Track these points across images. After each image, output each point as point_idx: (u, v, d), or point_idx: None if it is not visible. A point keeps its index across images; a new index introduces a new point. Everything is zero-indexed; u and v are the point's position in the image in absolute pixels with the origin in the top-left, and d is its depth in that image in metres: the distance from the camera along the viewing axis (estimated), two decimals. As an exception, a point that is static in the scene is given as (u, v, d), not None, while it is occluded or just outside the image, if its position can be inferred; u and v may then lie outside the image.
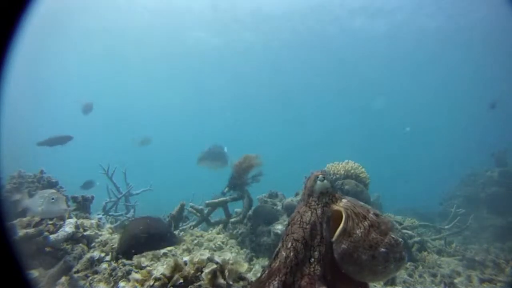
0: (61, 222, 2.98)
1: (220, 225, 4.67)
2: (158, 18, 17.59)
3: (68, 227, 2.93)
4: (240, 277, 2.15)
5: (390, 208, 7.20)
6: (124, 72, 24.04)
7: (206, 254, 2.18)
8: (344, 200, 1.43)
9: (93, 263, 2.68)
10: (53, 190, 3.00)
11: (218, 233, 4.45)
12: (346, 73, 23.42)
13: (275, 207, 4.80)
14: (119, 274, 2.51)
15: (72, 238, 2.91)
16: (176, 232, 3.98)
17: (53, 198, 2.64)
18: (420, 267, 4.11)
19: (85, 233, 3.03)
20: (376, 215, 1.37)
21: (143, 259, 2.68)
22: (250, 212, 4.50)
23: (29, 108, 20.85)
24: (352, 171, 4.70)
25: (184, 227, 4.58)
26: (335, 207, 1.40)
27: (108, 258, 2.75)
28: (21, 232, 2.64)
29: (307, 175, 1.54)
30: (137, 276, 2.24)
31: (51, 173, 4.24)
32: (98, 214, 4.78)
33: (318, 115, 30.84)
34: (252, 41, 19.81)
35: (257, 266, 3.65)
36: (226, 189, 4.57)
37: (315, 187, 1.45)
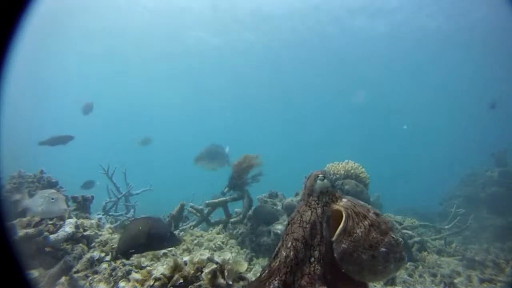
0: (61, 222, 2.98)
1: (220, 225, 4.68)
2: (158, 18, 17.59)
3: (68, 227, 2.93)
4: (240, 277, 2.15)
5: (390, 208, 7.21)
6: (124, 72, 24.04)
7: (206, 254, 2.18)
8: (344, 200, 1.43)
9: (93, 263, 2.68)
10: (53, 190, 3.00)
11: (218, 233, 4.46)
12: (346, 73, 23.42)
13: (275, 207, 4.80)
14: (119, 274, 2.51)
15: (72, 238, 2.91)
16: (176, 232, 3.98)
17: (53, 198, 2.64)
18: (420, 267, 4.11)
19: (85, 233, 3.03)
20: (377, 214, 1.37)
21: (143, 259, 2.69)
22: (250, 212, 4.51)
23: (29, 108, 20.85)
24: (352, 171, 4.70)
25: (184, 227, 4.58)
26: (335, 206, 1.40)
27: (108, 258, 2.75)
28: (21, 232, 2.64)
29: (307, 175, 1.54)
30: (137, 276, 2.25)
31: (51, 173, 4.23)
32: (98, 214, 4.78)
33: (318, 115, 30.84)
34: (252, 41, 19.80)
35: (257, 266, 3.65)
36: (226, 189, 4.57)
37: (315, 187, 1.45)
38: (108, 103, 23.50)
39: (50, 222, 2.90)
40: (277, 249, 1.40)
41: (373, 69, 22.38)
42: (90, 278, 2.54)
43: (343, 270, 1.30)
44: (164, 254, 2.90)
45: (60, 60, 20.34)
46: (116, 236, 3.03)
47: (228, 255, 2.21)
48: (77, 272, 2.59)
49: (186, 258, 2.25)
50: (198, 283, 2.04)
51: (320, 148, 26.36)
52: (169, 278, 2.08)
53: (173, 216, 4.24)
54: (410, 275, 3.84)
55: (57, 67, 20.91)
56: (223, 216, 4.70)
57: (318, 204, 1.41)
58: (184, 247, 3.58)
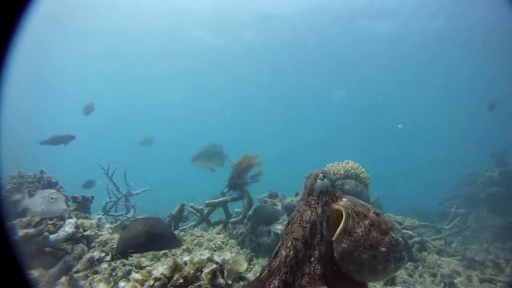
0: (61, 222, 2.98)
1: (220, 225, 4.67)
2: (158, 18, 17.59)
3: (68, 227, 2.93)
4: (240, 277, 2.15)
5: (390, 208, 7.21)
6: (124, 72, 24.04)
7: (206, 254, 2.18)
8: (344, 199, 1.43)
9: (93, 263, 2.68)
10: (53, 190, 3.00)
11: (218, 233, 4.45)
12: (346, 73, 23.42)
13: (275, 207, 4.80)
14: (119, 274, 2.52)
15: (72, 238, 2.91)
16: (176, 232, 3.98)
17: (52, 198, 2.64)
18: (420, 267, 4.11)
19: (85, 233, 3.03)
20: (377, 214, 1.37)
21: (143, 259, 2.69)
22: (250, 212, 4.50)
23: (29, 108, 20.85)
24: (352, 171, 4.70)
25: (184, 227, 4.58)
26: (335, 206, 1.40)
27: (108, 258, 2.75)
28: (21, 232, 2.64)
29: (307, 175, 1.54)
30: (137, 276, 2.25)
31: (51, 173, 4.23)
32: (98, 214, 4.78)
33: (318, 115, 30.85)
34: (252, 41, 19.81)
35: (257, 266, 3.65)
36: (226, 189, 4.57)
37: (315, 186, 1.44)
38: (108, 103, 23.49)
39: (50, 222, 2.90)
40: (277, 248, 1.40)
41: (373, 69, 22.38)
42: (90, 278, 2.54)
43: (343, 270, 1.30)
44: (164, 254, 2.90)
45: (60, 60, 20.34)
46: (116, 236, 3.03)
47: (228, 255, 2.21)
48: (77, 272, 2.60)
49: (186, 258, 2.25)
50: (198, 283, 2.04)
51: (320, 148, 26.35)
52: (169, 278, 2.08)
53: (173, 216, 4.24)
54: (410, 275, 3.84)
55: (57, 67, 20.92)
56: (223, 216, 4.70)
57: (318, 203, 1.41)
58: (184, 247, 3.58)
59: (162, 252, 2.84)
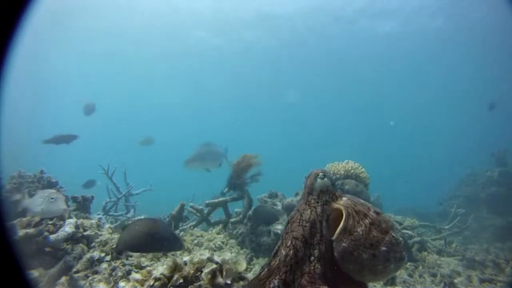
0: (61, 222, 2.98)
1: (220, 225, 4.67)
2: (158, 18, 17.59)
3: (68, 227, 2.93)
4: (240, 277, 2.15)
5: (390, 208, 7.21)
6: (125, 72, 24.04)
7: (206, 254, 2.18)
8: (344, 198, 1.42)
9: (93, 263, 2.68)
10: (52, 190, 3.00)
11: (218, 233, 4.46)
12: (346, 73, 23.42)
13: (275, 207, 4.80)
14: (119, 274, 2.52)
15: (72, 238, 2.91)
16: (176, 231, 3.98)
17: (52, 198, 2.64)
18: (420, 267, 4.11)
19: (85, 233, 3.03)
20: (377, 213, 1.36)
21: (143, 259, 2.69)
22: (250, 212, 4.50)
23: (29, 108, 20.85)
24: (352, 171, 4.70)
25: (184, 227, 4.58)
26: (335, 205, 1.40)
27: (108, 258, 2.75)
28: (21, 232, 2.64)
29: (307, 175, 1.54)
30: (137, 276, 2.25)
31: (51, 173, 4.23)
32: (98, 214, 4.78)
33: (318, 115, 30.85)
34: (252, 41, 19.81)
35: (257, 266, 3.65)
36: (226, 189, 4.57)
37: (315, 185, 1.44)
38: (108, 103, 23.46)
39: (50, 222, 2.90)
40: (276, 248, 1.40)
41: (373, 69, 22.38)
42: (90, 278, 2.54)
43: (342, 270, 1.30)
44: (164, 254, 2.90)
45: (60, 60, 20.34)
46: (116, 236, 3.03)
47: (228, 255, 2.21)
48: (77, 272, 2.60)
49: (186, 258, 2.25)
50: (198, 283, 2.04)
51: (320, 148, 26.37)
52: (169, 278, 2.08)
53: (173, 216, 4.24)
54: (410, 275, 3.84)
55: (57, 67, 20.92)
56: (223, 216, 4.70)
57: (318, 202, 1.41)
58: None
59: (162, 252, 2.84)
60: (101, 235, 3.09)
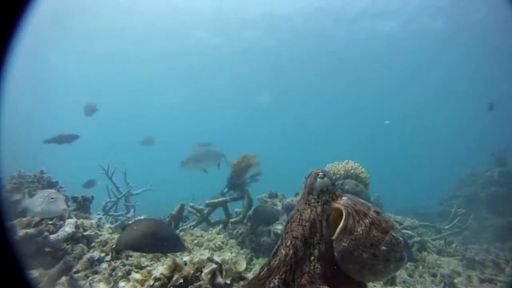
0: (61, 222, 2.98)
1: (220, 225, 4.67)
2: (158, 18, 17.60)
3: (68, 227, 2.93)
4: (240, 277, 2.15)
5: (390, 208, 7.21)
6: (124, 72, 24.05)
7: (206, 254, 2.18)
8: (344, 198, 1.42)
9: (93, 263, 2.68)
10: (52, 190, 3.00)
11: (218, 233, 4.46)
12: (346, 73, 23.43)
13: (275, 207, 4.80)
14: (119, 274, 2.52)
15: (72, 238, 2.91)
16: (176, 231, 3.98)
17: (52, 198, 2.63)
18: (420, 267, 4.11)
19: (85, 233, 3.03)
20: (377, 212, 1.36)
21: (143, 259, 2.69)
22: (250, 212, 4.50)
23: (29, 108, 20.86)
24: (352, 171, 4.70)
25: (184, 227, 4.58)
26: (335, 204, 1.39)
27: (108, 258, 2.75)
28: (21, 232, 2.64)
29: (307, 175, 1.53)
30: (137, 276, 2.25)
31: (51, 173, 4.23)
32: (98, 214, 4.78)
33: (318, 115, 30.85)
34: (252, 41, 19.81)
35: (257, 266, 3.65)
36: (226, 189, 4.57)
37: (315, 185, 1.44)
38: (108, 103, 23.44)
39: (50, 222, 2.90)
40: (276, 247, 1.39)
41: (373, 69, 22.39)
42: (90, 278, 2.54)
43: (342, 269, 1.29)
44: (164, 254, 2.90)
45: (60, 60, 20.35)
46: (116, 236, 3.03)
47: (228, 255, 2.21)
48: (77, 272, 2.59)
49: (186, 258, 2.25)
50: (198, 283, 2.04)
51: (320, 148, 26.38)
52: (169, 278, 2.08)
53: (173, 216, 4.24)
54: (410, 275, 3.84)
55: (57, 67, 20.92)
56: (223, 216, 4.70)
57: (318, 202, 1.40)
58: (184, 247, 3.57)
59: (162, 252, 2.84)
60: (101, 235, 3.09)
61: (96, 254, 2.76)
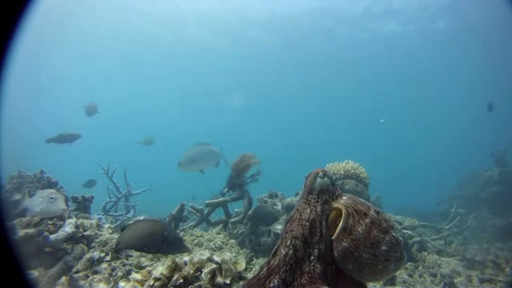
0: (61, 222, 2.98)
1: (220, 225, 4.67)
2: (158, 18, 17.60)
3: (68, 227, 2.93)
4: (240, 277, 2.15)
5: (390, 208, 7.20)
6: (124, 72, 24.07)
7: (206, 254, 2.18)
8: (344, 197, 1.42)
9: (93, 263, 2.68)
10: (52, 190, 3.00)
11: (218, 233, 4.45)
12: (347, 73, 23.44)
13: (275, 207, 4.80)
14: (119, 274, 2.52)
15: (72, 238, 2.91)
16: (176, 231, 3.97)
17: (52, 198, 2.63)
18: (420, 267, 4.11)
19: (85, 233, 3.02)
20: (377, 212, 1.36)
21: (143, 259, 2.69)
22: (250, 212, 4.50)
23: (29, 108, 20.87)
24: (352, 171, 4.70)
25: (184, 227, 4.58)
26: (335, 204, 1.39)
27: (108, 258, 2.75)
28: (21, 232, 2.64)
29: (307, 175, 1.53)
30: (137, 276, 2.25)
31: (51, 173, 4.23)
32: (98, 214, 4.78)
33: (318, 115, 30.87)
34: (253, 41, 19.82)
35: (257, 266, 3.64)
36: (226, 189, 4.57)
37: (314, 184, 1.43)
38: (108, 103, 23.48)
39: (50, 222, 2.90)
40: (276, 247, 1.39)
41: (374, 69, 22.41)
42: (90, 278, 2.54)
43: (342, 269, 1.29)
44: (165, 254, 2.90)
45: (60, 60, 20.35)
46: (116, 236, 3.03)
47: (227, 255, 2.21)
48: (77, 272, 2.60)
49: (186, 258, 2.25)
50: (198, 283, 2.04)
51: (320, 148, 26.39)
52: (169, 278, 2.08)
53: (173, 216, 4.23)
54: (410, 275, 3.84)
55: (57, 67, 20.94)
56: (223, 216, 4.70)
57: (317, 202, 1.40)
58: (184, 247, 3.57)
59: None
60: (101, 235, 3.09)
61: (96, 254, 2.76)
